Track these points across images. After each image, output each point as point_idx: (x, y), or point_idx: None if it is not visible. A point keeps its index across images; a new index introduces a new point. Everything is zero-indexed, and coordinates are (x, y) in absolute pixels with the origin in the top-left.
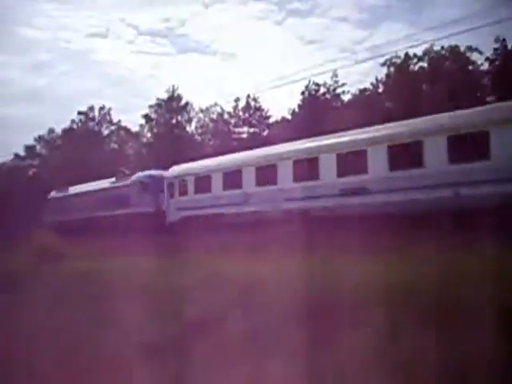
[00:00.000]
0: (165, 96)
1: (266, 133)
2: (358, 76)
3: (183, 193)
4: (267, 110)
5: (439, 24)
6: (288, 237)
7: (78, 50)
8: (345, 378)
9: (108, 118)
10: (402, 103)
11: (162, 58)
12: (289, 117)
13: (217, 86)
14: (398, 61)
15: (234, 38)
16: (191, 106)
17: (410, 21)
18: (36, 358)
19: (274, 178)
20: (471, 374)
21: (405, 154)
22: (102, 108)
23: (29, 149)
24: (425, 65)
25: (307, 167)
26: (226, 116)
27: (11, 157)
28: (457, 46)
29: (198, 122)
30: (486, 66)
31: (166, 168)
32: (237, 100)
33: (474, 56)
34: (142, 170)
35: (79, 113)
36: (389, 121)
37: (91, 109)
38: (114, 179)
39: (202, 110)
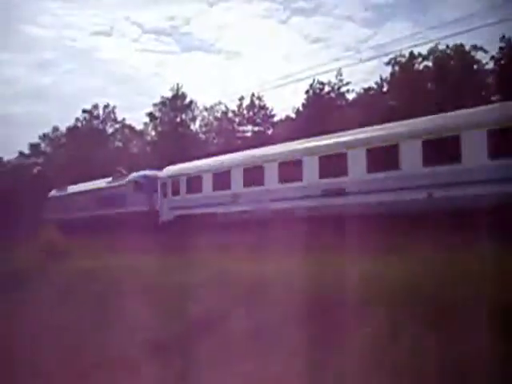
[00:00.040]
0: (169, 94)
1: (270, 131)
2: (363, 75)
3: (176, 192)
4: (271, 109)
5: (444, 23)
6: (274, 235)
7: (82, 48)
8: (344, 378)
9: (112, 116)
10: (407, 102)
11: (166, 57)
12: (293, 115)
13: (221, 85)
14: (403, 60)
15: (238, 37)
16: (195, 104)
17: (414, 20)
18: (43, 356)
19: (260, 179)
20: (469, 373)
21: (382, 157)
22: (106, 106)
23: (33, 147)
24: (430, 64)
25: (292, 169)
26: (230, 114)
27: (16, 155)
28: (462, 45)
29: (203, 120)
30: (490, 65)
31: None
32: (241, 98)
33: (479, 55)
34: (145, 168)
35: (84, 111)
36: (393, 120)
37: (96, 107)
38: (111, 179)
39: (206, 109)
